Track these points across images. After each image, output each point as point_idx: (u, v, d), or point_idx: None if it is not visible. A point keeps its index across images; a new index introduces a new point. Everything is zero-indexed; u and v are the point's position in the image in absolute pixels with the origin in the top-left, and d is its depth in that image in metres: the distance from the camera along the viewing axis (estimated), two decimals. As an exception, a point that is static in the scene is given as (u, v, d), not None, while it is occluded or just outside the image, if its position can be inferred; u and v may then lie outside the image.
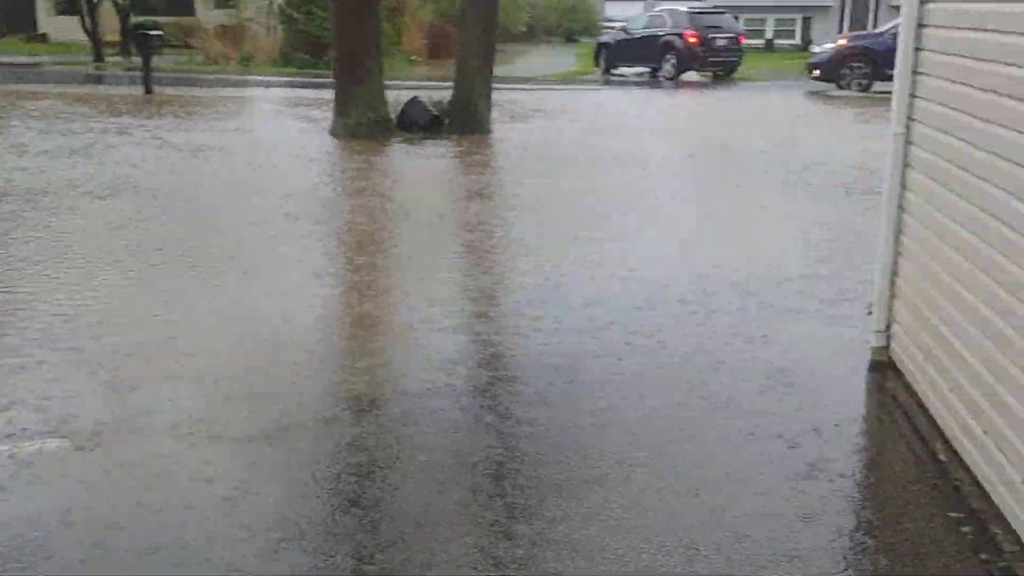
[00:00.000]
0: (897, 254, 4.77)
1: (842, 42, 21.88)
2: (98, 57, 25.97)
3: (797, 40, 37.14)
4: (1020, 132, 3.40)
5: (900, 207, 4.71)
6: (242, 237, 7.41)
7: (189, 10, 33.59)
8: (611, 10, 53.04)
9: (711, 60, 24.83)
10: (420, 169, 10.89)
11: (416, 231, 7.87)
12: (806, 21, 37.41)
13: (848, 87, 20.61)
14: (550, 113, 16.71)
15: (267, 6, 30.19)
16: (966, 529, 3.48)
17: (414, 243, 7.49)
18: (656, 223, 8.28)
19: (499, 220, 8.30)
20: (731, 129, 14.57)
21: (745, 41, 26.52)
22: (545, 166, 10.98)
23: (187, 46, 27.86)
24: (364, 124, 12.69)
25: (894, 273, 4.79)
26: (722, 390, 4.62)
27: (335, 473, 3.78)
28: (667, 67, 24.64)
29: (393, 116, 13.20)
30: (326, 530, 3.37)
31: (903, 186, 4.68)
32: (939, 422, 4.15)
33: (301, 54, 25.01)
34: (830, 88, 20.96)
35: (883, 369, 4.88)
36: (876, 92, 19.13)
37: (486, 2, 13.39)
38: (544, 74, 26.15)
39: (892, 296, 4.82)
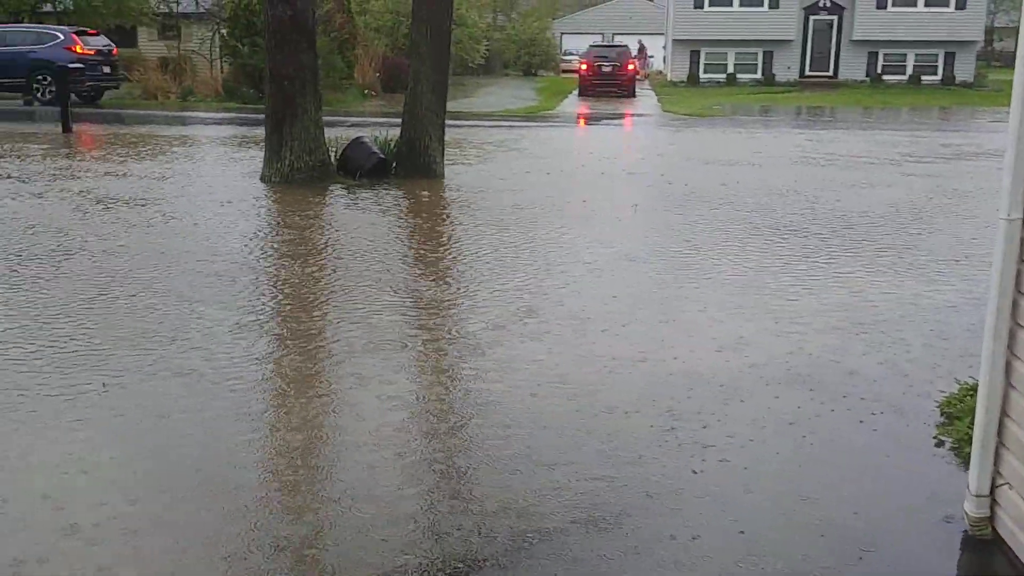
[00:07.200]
0: (1009, 385, 3.35)
1: None
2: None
3: (758, 75, 37.42)
4: None
5: (1014, 319, 3.31)
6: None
7: (132, 41, 32.00)
8: (569, 43, 52.30)
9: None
10: (355, 227, 9.05)
11: (346, 332, 6.33)
12: (767, 55, 37.58)
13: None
14: (511, 151, 15.33)
15: (211, 37, 28.71)
16: None
17: (346, 342, 5.96)
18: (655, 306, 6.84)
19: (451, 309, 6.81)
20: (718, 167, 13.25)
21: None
22: (504, 220, 9.43)
23: (127, 79, 26.26)
24: (299, 169, 11.19)
25: (1004, 412, 3.37)
26: None
27: None
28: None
29: (334, 159, 11.71)
30: None
31: (1019, 289, 3.28)
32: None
33: (246, 88, 23.43)
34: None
35: (986, 549, 3.46)
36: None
37: (438, 32, 11.84)
38: (502, 110, 24.83)
39: (1000, 444, 3.40)
